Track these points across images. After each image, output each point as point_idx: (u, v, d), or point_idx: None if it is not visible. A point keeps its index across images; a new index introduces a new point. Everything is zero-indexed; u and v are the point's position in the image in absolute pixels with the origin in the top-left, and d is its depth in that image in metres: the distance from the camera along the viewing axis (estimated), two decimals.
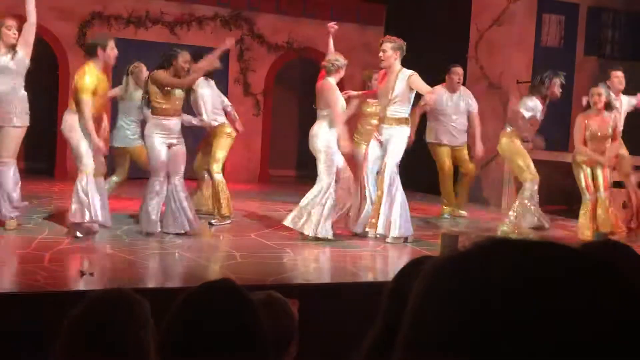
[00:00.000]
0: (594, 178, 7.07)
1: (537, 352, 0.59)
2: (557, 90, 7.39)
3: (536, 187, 7.30)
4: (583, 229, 7.01)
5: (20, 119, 6.18)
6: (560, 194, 9.92)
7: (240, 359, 1.68)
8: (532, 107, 7.32)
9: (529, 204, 7.26)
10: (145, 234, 6.22)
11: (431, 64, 8.69)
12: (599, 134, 6.99)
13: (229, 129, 7.46)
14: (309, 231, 6.30)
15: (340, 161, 6.67)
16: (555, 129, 10.11)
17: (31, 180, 8.71)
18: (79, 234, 5.91)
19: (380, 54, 6.67)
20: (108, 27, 10.75)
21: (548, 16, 10.16)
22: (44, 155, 11.10)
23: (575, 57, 10.39)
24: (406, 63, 7.39)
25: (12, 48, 6.17)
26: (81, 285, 4.37)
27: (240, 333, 1.68)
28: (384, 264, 5.99)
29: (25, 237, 5.91)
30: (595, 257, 0.66)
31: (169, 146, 6.43)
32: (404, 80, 6.64)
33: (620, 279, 0.64)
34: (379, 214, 6.47)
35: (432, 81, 9.07)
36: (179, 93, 6.49)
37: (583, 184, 7.06)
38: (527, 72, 9.95)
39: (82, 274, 4.60)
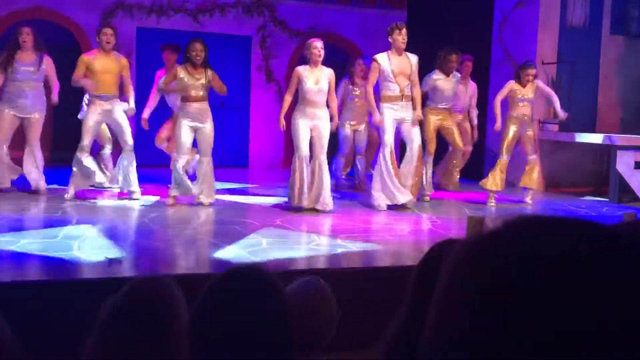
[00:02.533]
0: (525, 142, 8.13)
1: (574, 337, 0.58)
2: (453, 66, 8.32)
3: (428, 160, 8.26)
4: (488, 183, 8.08)
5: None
6: (586, 175, 9.82)
7: (267, 346, 1.68)
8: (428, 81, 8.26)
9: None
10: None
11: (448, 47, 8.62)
12: (526, 100, 8.02)
13: None
14: None
15: None
16: (581, 110, 9.99)
17: (57, 170, 8.81)
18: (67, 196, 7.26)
19: (404, 37, 7.18)
20: (131, 16, 10.80)
21: None
22: (69, 145, 11.20)
23: (602, 36, 10.24)
24: (429, 47, 7.41)
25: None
26: (109, 273, 4.43)
27: (268, 318, 1.68)
28: (411, 248, 5.98)
29: (53, 226, 5.99)
30: (628, 236, 0.64)
31: (195, 129, 7.10)
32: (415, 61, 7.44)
33: None
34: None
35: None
36: (199, 81, 7.08)
37: (505, 143, 8.05)
38: (553, 53, 9.82)
39: (110, 261, 4.65)
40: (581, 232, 0.64)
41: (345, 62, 9.49)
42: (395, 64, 7.24)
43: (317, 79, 7.02)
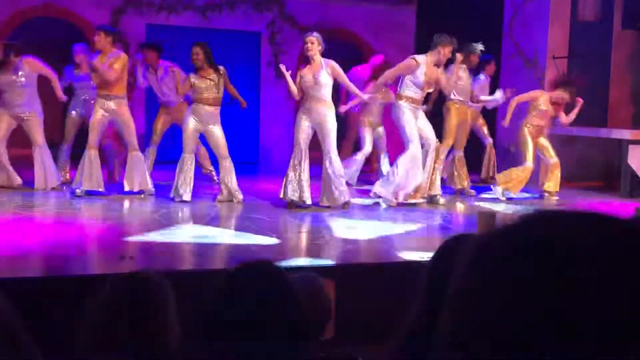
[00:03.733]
0: (540, 147, 8.22)
1: (591, 332, 0.57)
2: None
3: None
4: (510, 185, 8.06)
5: None
6: (598, 170, 9.78)
7: (277, 342, 1.67)
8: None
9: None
10: (178, 201, 7.06)
11: (464, 42, 8.59)
12: (544, 112, 8.15)
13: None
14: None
15: None
16: (593, 105, 9.93)
17: (71, 167, 8.84)
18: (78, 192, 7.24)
19: (448, 54, 7.26)
20: (140, 13, 10.82)
21: None
22: (82, 143, 11.23)
23: (613, 31, 10.16)
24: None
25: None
26: (121, 269, 4.43)
27: (278, 315, 1.67)
28: (423, 243, 5.96)
29: (65, 222, 6.02)
30: None
31: (202, 131, 7.25)
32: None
33: None
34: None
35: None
36: (210, 82, 7.18)
37: (529, 150, 8.09)
38: (564, 47, 9.76)
39: (123, 257, 4.66)
40: (596, 227, 0.63)
41: (353, 57, 9.43)
42: (429, 74, 7.27)
43: (313, 73, 7.01)
